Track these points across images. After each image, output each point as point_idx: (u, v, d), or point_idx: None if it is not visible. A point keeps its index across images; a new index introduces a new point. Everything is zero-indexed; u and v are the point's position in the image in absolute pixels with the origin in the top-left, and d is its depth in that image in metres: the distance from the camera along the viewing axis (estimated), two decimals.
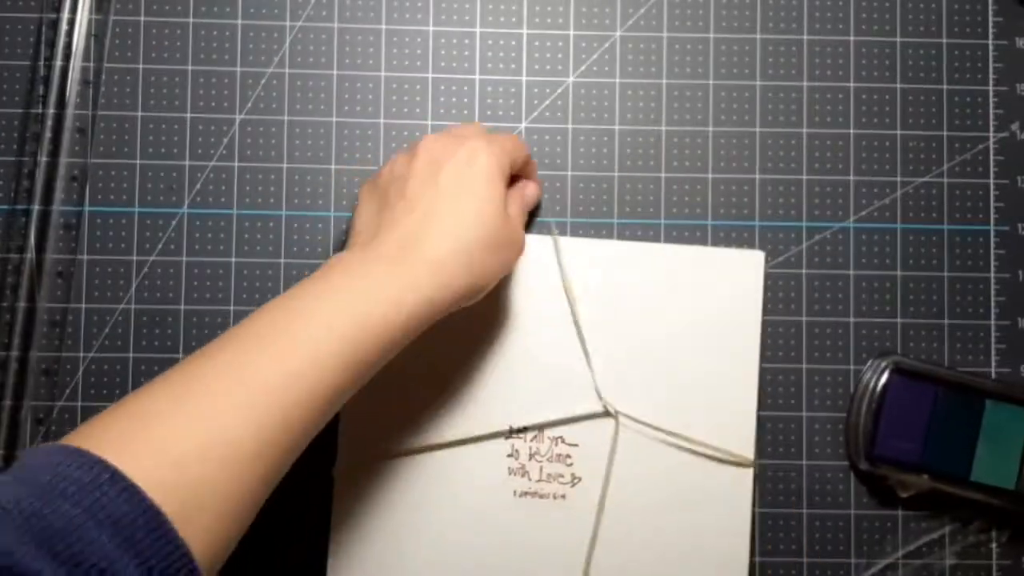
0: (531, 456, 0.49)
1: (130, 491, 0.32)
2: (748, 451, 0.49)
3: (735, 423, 0.50)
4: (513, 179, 0.48)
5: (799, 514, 0.51)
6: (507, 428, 0.49)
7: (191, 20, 0.52)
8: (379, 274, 0.40)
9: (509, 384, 0.50)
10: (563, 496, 0.49)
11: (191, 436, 0.34)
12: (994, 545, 0.51)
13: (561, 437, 0.49)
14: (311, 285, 0.40)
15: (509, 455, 0.49)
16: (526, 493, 0.49)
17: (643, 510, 0.49)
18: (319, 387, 0.37)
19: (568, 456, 0.49)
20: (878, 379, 0.50)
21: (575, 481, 0.49)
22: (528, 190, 0.49)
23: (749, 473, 0.49)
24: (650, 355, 0.50)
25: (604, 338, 0.50)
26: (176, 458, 0.33)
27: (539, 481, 0.49)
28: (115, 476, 0.32)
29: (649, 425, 0.49)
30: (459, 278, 0.41)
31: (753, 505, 0.50)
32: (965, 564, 0.51)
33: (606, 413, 0.49)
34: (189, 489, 0.33)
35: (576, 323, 0.50)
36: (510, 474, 0.49)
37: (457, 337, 0.49)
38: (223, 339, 0.38)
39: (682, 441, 0.49)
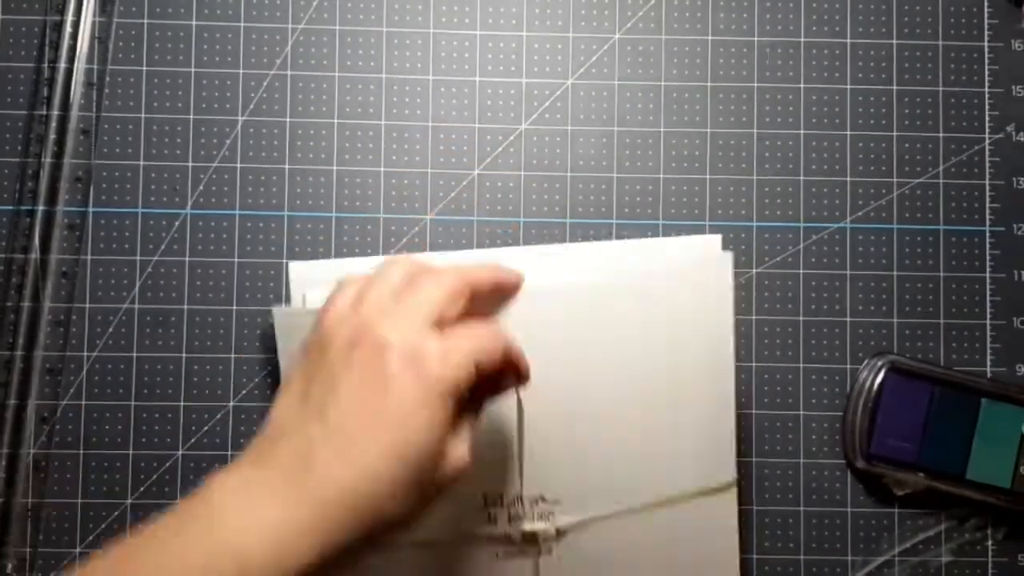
0: (510, 520, 0.47)
1: None
2: (730, 474, 0.48)
3: (714, 450, 0.48)
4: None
5: (796, 512, 0.51)
6: (481, 500, 0.47)
7: (194, 23, 0.52)
8: (261, 507, 0.32)
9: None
10: (550, 551, 0.48)
11: None
12: (990, 543, 0.51)
13: (541, 496, 0.47)
14: (183, 510, 0.33)
15: (487, 522, 0.47)
16: (510, 554, 0.47)
17: (623, 567, 0.48)
18: None
19: (551, 513, 0.47)
20: (874, 378, 0.50)
21: (560, 535, 0.48)
22: (502, 389, 0.39)
23: (733, 492, 0.48)
24: (608, 400, 0.47)
25: (553, 403, 0.46)
26: None
27: (522, 542, 0.47)
28: None
29: (588, 520, 0.47)
30: (359, 522, 0.32)
31: (740, 517, 0.50)
32: (961, 562, 0.51)
33: (529, 539, 0.47)
34: None
35: (519, 418, 0.46)
36: (489, 543, 0.47)
37: None
38: (122, 548, 0.32)
39: (645, 504, 0.47)
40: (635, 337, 0.47)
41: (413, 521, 0.34)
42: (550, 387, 0.44)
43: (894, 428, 0.50)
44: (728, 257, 0.47)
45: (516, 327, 0.38)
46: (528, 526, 0.47)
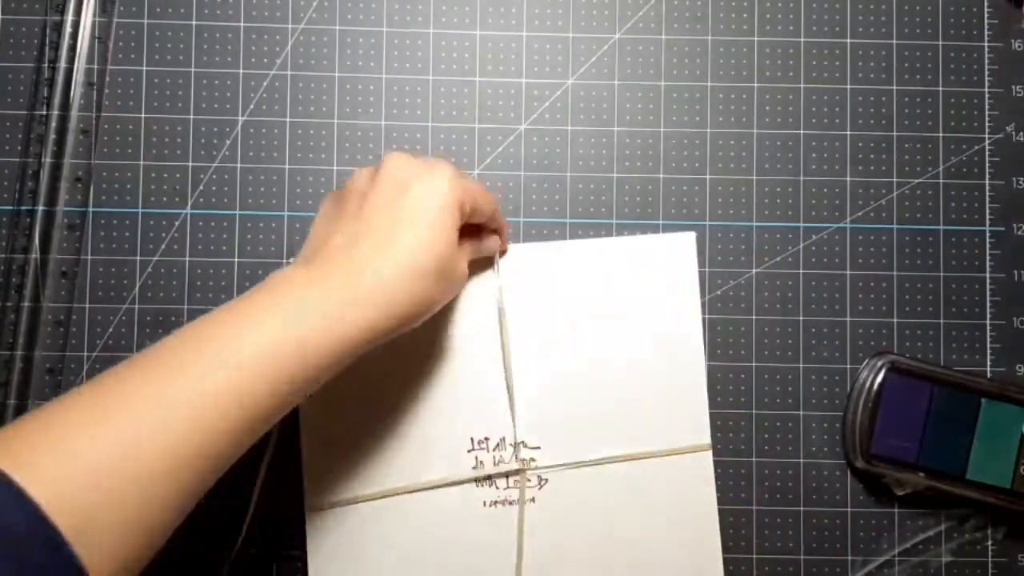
0: (496, 463, 0.49)
1: (23, 501, 0.30)
2: (704, 437, 0.50)
3: (688, 412, 0.50)
4: (477, 230, 0.48)
5: (796, 512, 0.51)
6: (469, 442, 0.49)
7: (194, 23, 0.52)
8: (319, 295, 0.39)
9: (452, 420, 0.50)
10: (533, 500, 0.49)
11: (101, 451, 0.32)
12: (990, 543, 0.51)
13: (523, 442, 0.50)
14: (248, 299, 0.39)
15: (473, 467, 0.49)
16: (496, 502, 0.49)
17: (604, 519, 0.49)
18: (240, 411, 0.35)
19: (533, 459, 0.50)
20: (874, 378, 0.50)
21: (542, 483, 0.50)
22: (488, 242, 0.49)
23: (708, 457, 0.50)
24: (586, 367, 0.50)
25: (539, 358, 0.50)
26: (81, 472, 0.32)
27: (507, 488, 0.49)
28: (10, 486, 0.30)
29: (570, 464, 0.49)
30: (402, 305, 0.40)
31: (722, 484, 0.50)
32: (961, 562, 0.51)
33: (519, 470, 0.49)
34: (92, 506, 0.32)
35: (504, 358, 0.50)
36: (478, 486, 0.49)
37: (402, 367, 0.49)
38: (148, 352, 0.36)
39: (624, 455, 0.50)
40: (611, 311, 0.51)
41: (428, 315, 0.42)
42: (535, 341, 0.50)
43: (894, 428, 0.50)
44: (690, 236, 0.51)
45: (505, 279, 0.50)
46: (510, 467, 0.49)
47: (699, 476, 0.50)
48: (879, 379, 0.50)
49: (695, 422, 0.50)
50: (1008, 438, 0.50)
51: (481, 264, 0.50)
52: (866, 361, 0.51)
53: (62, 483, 0.31)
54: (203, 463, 0.35)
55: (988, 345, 0.52)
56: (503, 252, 0.50)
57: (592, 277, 0.51)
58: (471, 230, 0.47)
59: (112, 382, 0.35)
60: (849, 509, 0.51)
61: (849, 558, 0.51)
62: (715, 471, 0.51)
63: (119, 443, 0.33)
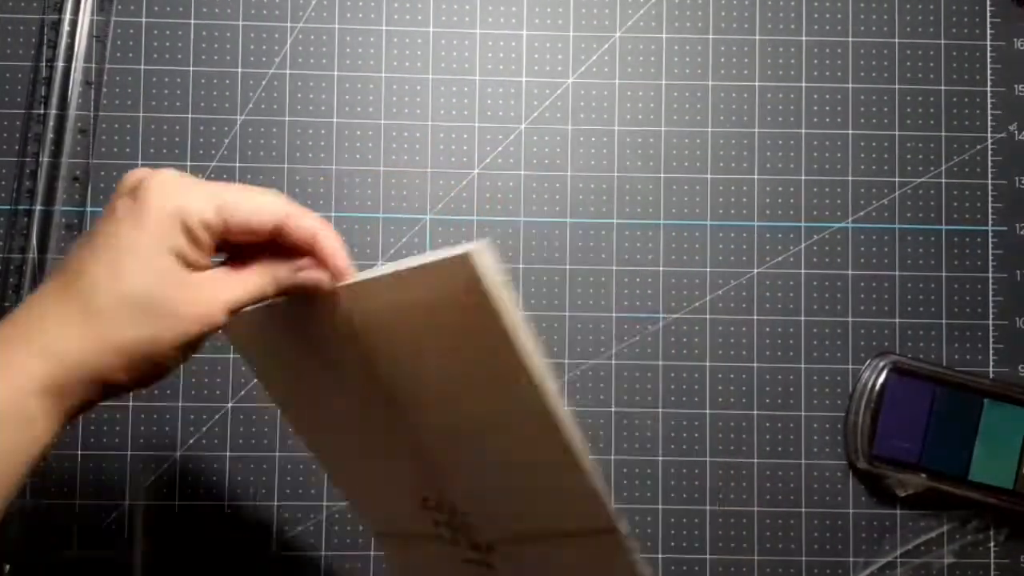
0: (451, 527, 0.41)
1: None
2: (605, 521, 0.37)
3: (580, 494, 0.36)
4: (289, 252, 0.36)
5: (797, 513, 0.51)
6: (420, 500, 0.41)
7: (192, 21, 0.52)
8: (32, 317, 0.33)
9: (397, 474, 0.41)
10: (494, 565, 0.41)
11: None
12: (992, 544, 0.51)
13: (458, 508, 0.40)
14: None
15: (434, 525, 0.42)
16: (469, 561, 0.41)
17: None
18: None
19: (469, 525, 0.41)
20: (876, 378, 0.50)
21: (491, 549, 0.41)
22: (299, 276, 0.36)
23: (616, 539, 0.37)
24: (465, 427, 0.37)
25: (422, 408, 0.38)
26: None
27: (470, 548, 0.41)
28: None
29: (497, 540, 0.40)
30: (84, 343, 0.33)
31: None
32: (963, 563, 0.51)
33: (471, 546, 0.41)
34: None
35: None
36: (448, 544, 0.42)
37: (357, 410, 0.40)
38: None
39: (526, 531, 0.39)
40: (439, 368, 0.37)
41: (137, 357, 0.34)
42: (427, 408, 0.38)
43: (896, 429, 0.50)
44: (483, 254, 0.32)
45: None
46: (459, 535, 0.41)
47: (609, 562, 0.38)
48: (881, 380, 0.50)
49: (589, 503, 0.36)
50: (1011, 439, 0.50)
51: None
52: (868, 361, 0.51)
53: None
54: None
55: (991, 345, 0.52)
56: (335, 278, 0.36)
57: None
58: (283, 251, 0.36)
59: None
60: (851, 510, 0.51)
61: (851, 559, 0.51)
62: (715, 472, 0.51)
63: None
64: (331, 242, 0.36)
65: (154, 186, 0.34)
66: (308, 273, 0.36)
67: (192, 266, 0.34)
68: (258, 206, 0.35)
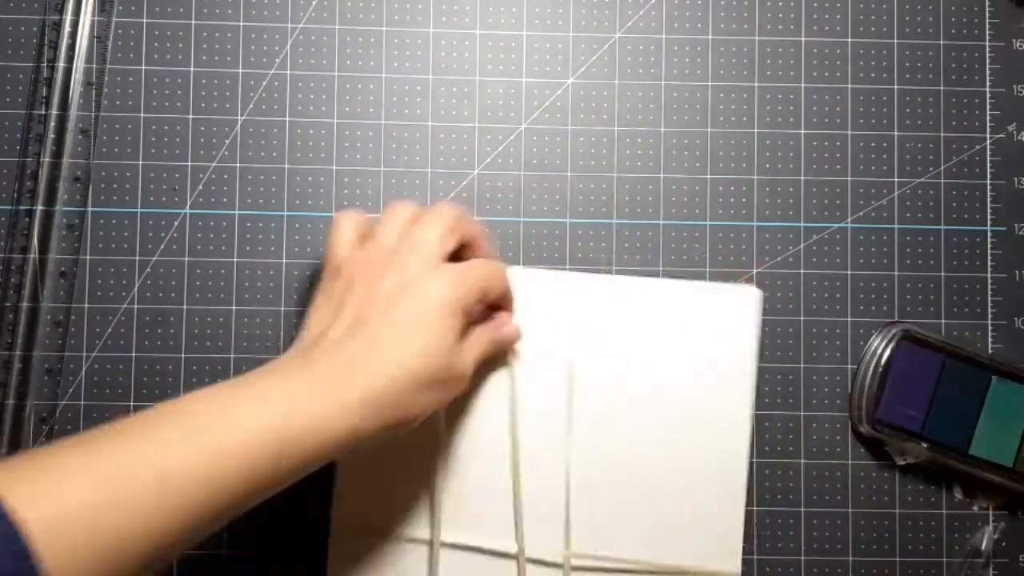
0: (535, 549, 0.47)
1: (10, 532, 0.30)
2: (734, 565, 0.47)
3: (719, 532, 0.47)
4: (489, 308, 0.46)
5: (797, 513, 0.51)
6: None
7: (193, 22, 0.52)
8: (308, 394, 0.38)
9: (481, 490, 0.47)
10: None
11: (91, 491, 0.33)
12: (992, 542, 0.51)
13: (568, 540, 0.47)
14: (241, 385, 0.38)
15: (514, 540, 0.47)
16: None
17: None
18: (207, 498, 0.35)
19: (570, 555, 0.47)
20: (887, 345, 0.50)
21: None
22: (503, 331, 0.46)
23: None
24: (616, 456, 0.47)
25: (559, 446, 0.47)
26: (72, 511, 0.32)
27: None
28: (3, 514, 0.30)
29: (604, 567, 0.46)
30: (389, 412, 0.39)
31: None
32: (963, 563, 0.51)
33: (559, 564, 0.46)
34: (77, 543, 0.32)
35: (514, 444, 0.46)
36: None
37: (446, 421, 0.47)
38: (148, 415, 0.36)
39: (647, 565, 0.46)
40: (656, 385, 0.47)
41: (422, 417, 0.41)
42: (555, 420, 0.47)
43: (902, 396, 0.50)
44: (755, 293, 0.48)
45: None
46: (555, 558, 0.47)
47: None
48: (891, 346, 0.50)
49: (725, 540, 0.47)
50: (1015, 417, 0.50)
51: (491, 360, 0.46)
52: (879, 329, 0.51)
53: (52, 520, 0.32)
54: (179, 533, 0.35)
55: (990, 346, 0.52)
56: (516, 338, 0.47)
57: (626, 332, 0.47)
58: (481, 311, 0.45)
59: (107, 441, 0.35)
60: (850, 510, 0.51)
61: (851, 559, 0.51)
62: None
63: (108, 492, 0.33)
64: (512, 303, 0.47)
65: (450, 277, 0.41)
66: (508, 328, 0.46)
67: (463, 337, 0.42)
68: (499, 282, 0.45)
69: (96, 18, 0.52)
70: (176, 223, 0.51)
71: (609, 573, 0.47)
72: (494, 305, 0.46)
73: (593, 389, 0.47)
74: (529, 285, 0.47)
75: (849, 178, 0.52)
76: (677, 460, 0.47)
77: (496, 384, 0.47)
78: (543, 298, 0.48)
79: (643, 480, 0.47)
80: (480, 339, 0.44)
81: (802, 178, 0.52)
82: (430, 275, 0.41)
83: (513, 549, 0.46)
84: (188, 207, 0.51)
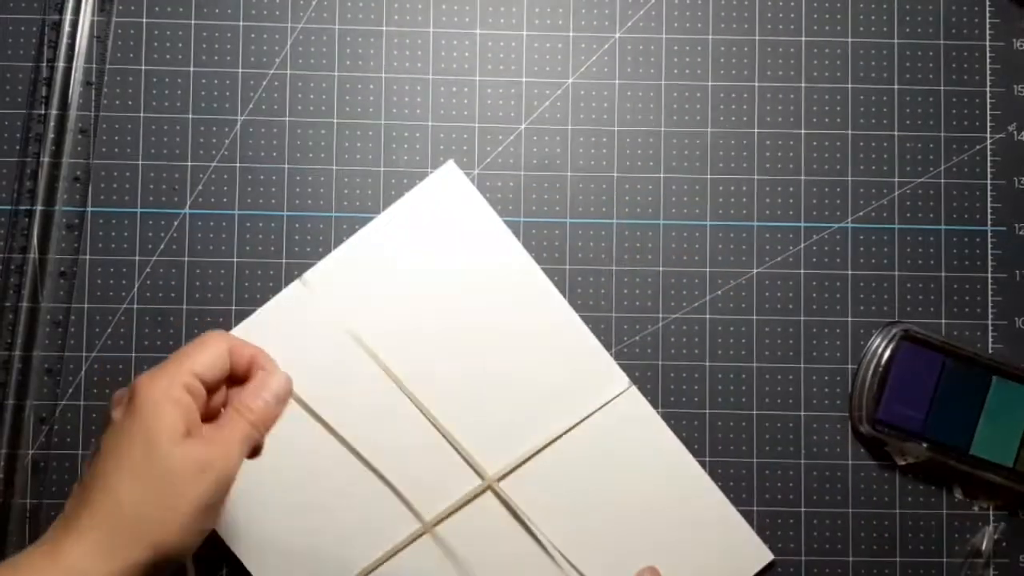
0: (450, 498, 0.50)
1: None
2: (620, 381, 0.52)
3: (596, 371, 0.51)
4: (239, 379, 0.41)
5: (797, 513, 0.51)
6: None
7: (193, 21, 0.52)
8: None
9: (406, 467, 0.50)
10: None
11: None
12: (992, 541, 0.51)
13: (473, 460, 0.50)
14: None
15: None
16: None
17: (582, 493, 0.50)
18: None
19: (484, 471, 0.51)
20: (887, 344, 0.50)
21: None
22: (270, 384, 0.41)
23: (634, 393, 0.51)
24: (477, 363, 0.51)
25: (429, 376, 0.51)
26: None
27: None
28: None
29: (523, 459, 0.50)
30: (134, 546, 0.35)
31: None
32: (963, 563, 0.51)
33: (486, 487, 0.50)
34: None
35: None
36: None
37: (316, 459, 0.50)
38: None
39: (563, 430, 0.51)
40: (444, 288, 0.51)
41: (194, 535, 0.37)
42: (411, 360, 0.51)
43: (902, 396, 0.50)
44: (448, 165, 0.51)
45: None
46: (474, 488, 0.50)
47: (638, 415, 0.50)
48: (892, 347, 0.50)
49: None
50: (1016, 417, 0.50)
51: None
52: (880, 328, 0.51)
53: None
54: None
55: (990, 346, 0.52)
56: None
57: (402, 259, 0.51)
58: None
59: None
60: (851, 510, 0.51)
61: (851, 559, 0.51)
62: (715, 472, 0.51)
63: None
64: (266, 357, 0.42)
65: (137, 391, 0.37)
66: (277, 387, 0.41)
67: (191, 433, 0.37)
68: (216, 361, 0.39)
69: (96, 18, 0.52)
70: (176, 223, 0.51)
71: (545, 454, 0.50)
72: (244, 373, 0.41)
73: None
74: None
75: (849, 178, 0.52)
76: (512, 333, 0.51)
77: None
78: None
79: (505, 372, 0.51)
80: (234, 422, 0.39)
81: (802, 178, 0.52)
82: (131, 395, 0.38)
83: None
84: (188, 207, 0.51)
